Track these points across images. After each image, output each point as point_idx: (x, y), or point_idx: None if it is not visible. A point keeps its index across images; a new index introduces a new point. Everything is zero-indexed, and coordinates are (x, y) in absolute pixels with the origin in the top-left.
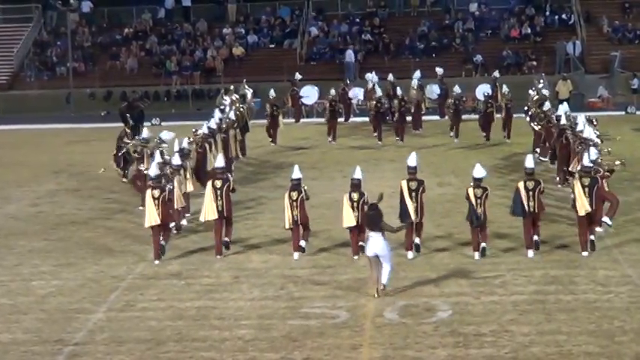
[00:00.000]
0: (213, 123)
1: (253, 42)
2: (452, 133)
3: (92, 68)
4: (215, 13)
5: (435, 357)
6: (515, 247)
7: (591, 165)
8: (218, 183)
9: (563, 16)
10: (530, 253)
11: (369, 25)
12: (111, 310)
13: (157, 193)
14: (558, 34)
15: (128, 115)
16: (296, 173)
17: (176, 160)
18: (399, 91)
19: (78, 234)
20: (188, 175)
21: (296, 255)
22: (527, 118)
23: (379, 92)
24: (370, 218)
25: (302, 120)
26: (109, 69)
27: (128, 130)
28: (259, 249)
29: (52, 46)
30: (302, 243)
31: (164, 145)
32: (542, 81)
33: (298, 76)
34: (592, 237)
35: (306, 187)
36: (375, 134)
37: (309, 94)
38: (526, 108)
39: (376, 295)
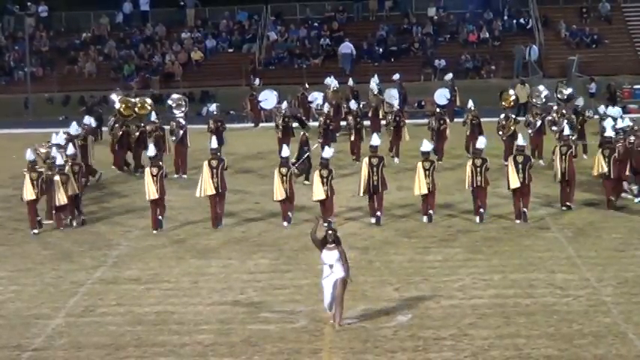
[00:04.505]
0: (73, 129)
1: (212, 46)
2: (392, 153)
3: (50, 73)
4: (173, 18)
5: None
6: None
7: (524, 144)
8: (214, 162)
9: (521, 20)
10: (477, 219)
11: (327, 29)
12: (70, 315)
13: (155, 170)
14: (516, 39)
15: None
16: (285, 152)
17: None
18: (353, 105)
19: (36, 239)
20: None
21: (285, 224)
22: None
23: (327, 108)
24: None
25: (261, 124)
26: (67, 73)
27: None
28: (218, 253)
29: (10, 50)
30: (289, 214)
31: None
32: (542, 91)
33: (258, 81)
34: (525, 209)
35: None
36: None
37: (268, 98)
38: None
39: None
